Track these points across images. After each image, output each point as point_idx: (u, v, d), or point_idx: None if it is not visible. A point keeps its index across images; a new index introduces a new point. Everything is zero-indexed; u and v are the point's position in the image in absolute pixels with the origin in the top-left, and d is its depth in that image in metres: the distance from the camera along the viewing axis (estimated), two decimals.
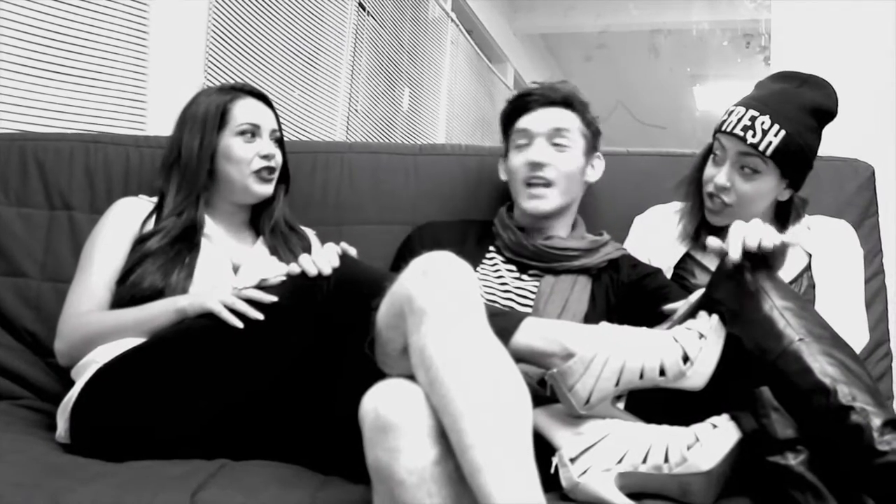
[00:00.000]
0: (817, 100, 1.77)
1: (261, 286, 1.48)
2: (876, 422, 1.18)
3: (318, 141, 3.79)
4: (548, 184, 1.86)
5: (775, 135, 1.72)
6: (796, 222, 1.90)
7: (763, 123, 1.73)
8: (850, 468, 1.21)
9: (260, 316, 1.42)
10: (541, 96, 1.90)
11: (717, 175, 1.80)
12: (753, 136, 1.73)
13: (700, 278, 1.86)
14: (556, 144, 1.86)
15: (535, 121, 1.89)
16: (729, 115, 1.79)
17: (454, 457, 1.04)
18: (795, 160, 1.76)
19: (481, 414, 1.03)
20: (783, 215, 1.89)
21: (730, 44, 6.54)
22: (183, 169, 1.79)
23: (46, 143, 2.14)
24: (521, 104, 1.92)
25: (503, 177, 1.98)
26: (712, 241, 1.46)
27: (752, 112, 1.75)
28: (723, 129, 1.79)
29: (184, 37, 2.95)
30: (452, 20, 5.49)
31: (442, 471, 1.04)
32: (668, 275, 1.89)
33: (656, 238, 1.97)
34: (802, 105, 1.76)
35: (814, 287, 1.85)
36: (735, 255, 1.38)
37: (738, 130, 1.75)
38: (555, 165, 1.86)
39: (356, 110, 4.33)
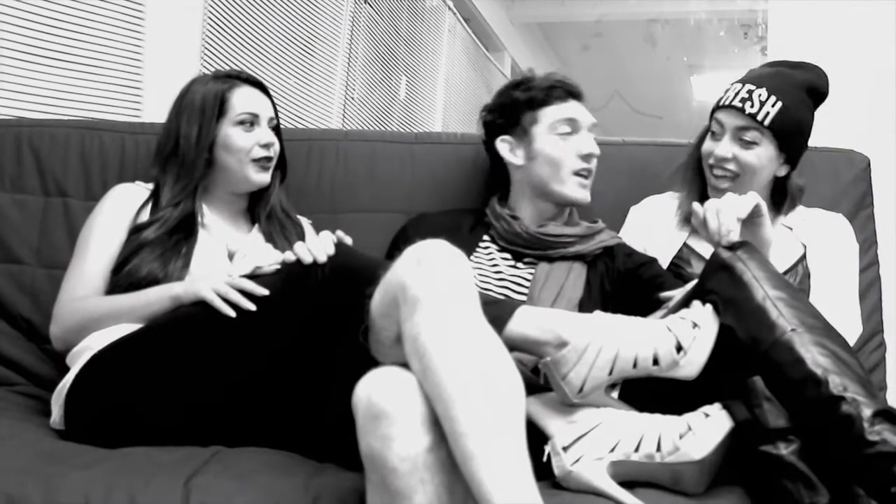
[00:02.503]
0: (811, 79, 1.85)
1: (255, 274, 1.48)
2: (866, 412, 1.19)
3: (314, 128, 3.78)
4: (590, 175, 1.87)
5: (773, 105, 1.78)
6: (792, 209, 1.92)
7: (760, 95, 1.80)
8: (840, 458, 1.21)
9: (252, 307, 1.43)
10: (573, 89, 1.89)
11: (717, 147, 1.85)
12: (752, 106, 1.80)
13: (697, 268, 1.87)
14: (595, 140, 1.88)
15: (580, 112, 1.87)
16: (726, 91, 1.86)
17: (447, 444, 1.04)
18: (792, 133, 1.82)
19: (474, 402, 1.03)
20: (780, 198, 1.91)
21: (727, 34, 6.53)
22: (181, 159, 1.78)
23: (42, 130, 2.14)
24: (556, 93, 1.87)
25: (517, 161, 1.90)
26: (697, 207, 1.52)
27: (749, 86, 1.82)
28: (721, 103, 1.85)
29: (180, 24, 2.94)
30: (450, 8, 5.48)
31: (435, 458, 1.04)
32: (666, 264, 1.89)
33: (653, 228, 1.98)
34: (797, 82, 1.84)
35: (809, 277, 1.86)
36: (714, 224, 1.47)
37: (736, 102, 1.82)
38: (596, 158, 1.88)
39: (353, 98, 4.32)
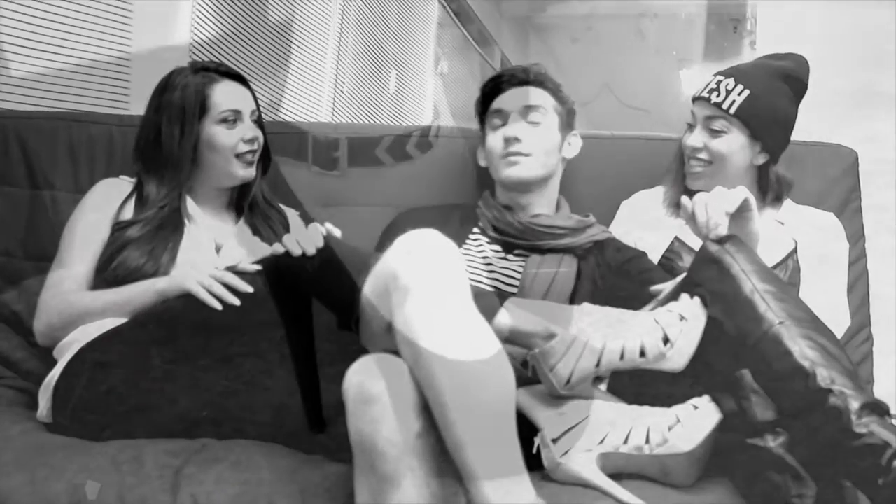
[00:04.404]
0: (786, 66, 1.88)
1: (231, 270, 1.47)
2: (854, 405, 1.20)
3: (303, 121, 3.77)
4: (525, 155, 1.86)
5: (739, 94, 1.83)
6: (777, 201, 1.93)
7: (727, 85, 1.85)
8: (828, 450, 1.22)
9: (236, 301, 1.42)
10: (511, 77, 1.92)
11: (690, 138, 1.90)
12: (718, 96, 1.85)
13: (688, 262, 1.86)
14: (530, 122, 1.87)
15: (508, 100, 1.90)
16: (701, 85, 1.92)
17: (436, 431, 1.05)
18: (763, 121, 1.84)
19: (465, 392, 1.04)
20: (764, 187, 1.94)
21: (717, 28, 6.53)
22: (165, 160, 1.76)
23: (28, 122, 2.12)
24: (492, 88, 1.93)
25: (482, 163, 1.97)
26: (686, 201, 1.53)
27: (719, 77, 1.88)
28: (693, 96, 1.92)
29: (168, 15, 2.92)
30: (439, 1, 5.46)
31: (424, 444, 1.05)
32: (657, 259, 1.90)
33: (643, 222, 1.98)
34: (772, 71, 1.87)
35: (799, 272, 1.86)
36: (703, 217, 1.49)
37: (704, 93, 1.87)
38: (529, 140, 1.86)
39: (342, 91, 4.31)
